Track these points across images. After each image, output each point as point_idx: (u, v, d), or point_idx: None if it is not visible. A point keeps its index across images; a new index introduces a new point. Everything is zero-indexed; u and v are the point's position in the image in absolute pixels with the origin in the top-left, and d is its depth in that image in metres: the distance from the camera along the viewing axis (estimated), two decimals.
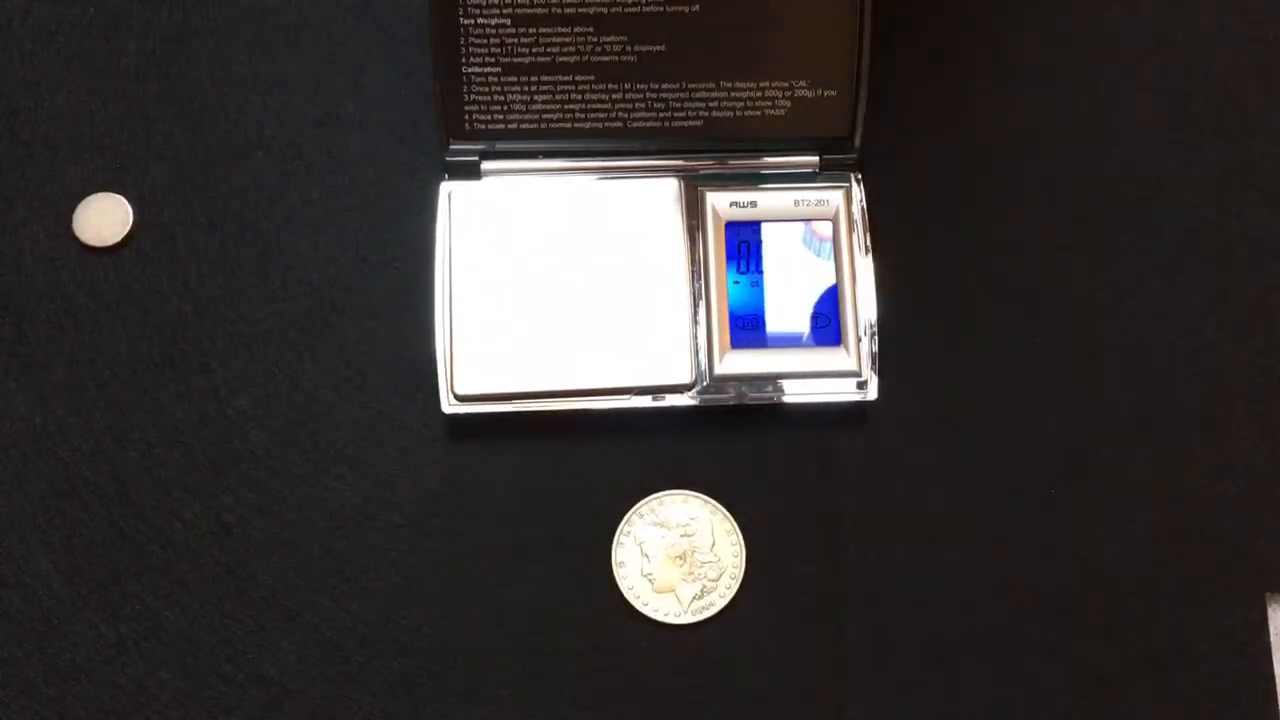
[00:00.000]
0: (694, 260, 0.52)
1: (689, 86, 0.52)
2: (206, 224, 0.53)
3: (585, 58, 0.51)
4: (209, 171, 0.54)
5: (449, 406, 0.50)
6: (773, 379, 0.51)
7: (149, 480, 0.51)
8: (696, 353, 0.51)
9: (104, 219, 0.53)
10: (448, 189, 0.52)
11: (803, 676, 0.49)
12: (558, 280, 0.51)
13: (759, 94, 0.52)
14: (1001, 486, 0.51)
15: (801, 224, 0.53)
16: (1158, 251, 0.54)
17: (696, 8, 0.50)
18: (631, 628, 0.50)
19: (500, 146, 0.52)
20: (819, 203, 0.53)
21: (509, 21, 0.50)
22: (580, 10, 0.50)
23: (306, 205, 0.54)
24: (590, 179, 0.53)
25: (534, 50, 0.51)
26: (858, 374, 0.51)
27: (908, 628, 0.50)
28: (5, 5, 0.56)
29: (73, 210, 0.53)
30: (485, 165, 0.52)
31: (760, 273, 0.52)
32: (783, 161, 0.53)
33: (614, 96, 0.52)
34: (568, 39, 0.51)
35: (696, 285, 0.52)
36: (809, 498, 0.51)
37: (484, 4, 0.50)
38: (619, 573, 0.50)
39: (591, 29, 0.51)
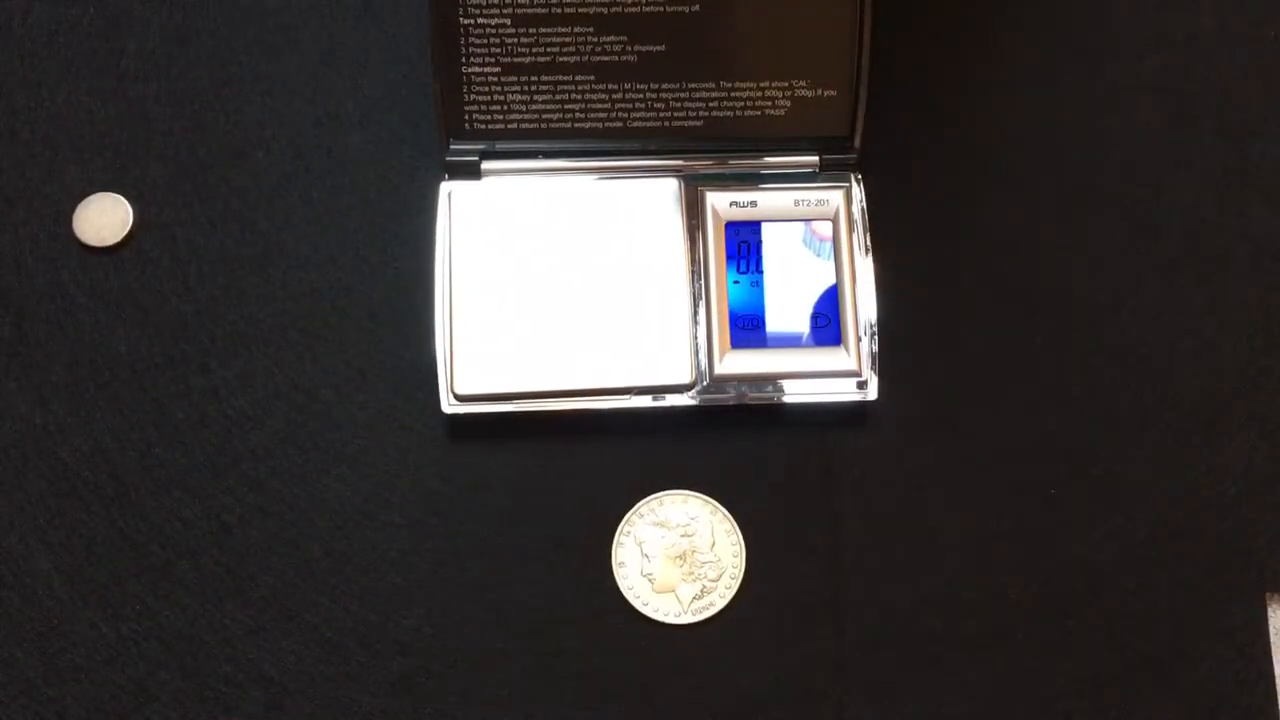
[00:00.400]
0: (694, 260, 0.52)
1: (689, 86, 0.52)
2: (206, 224, 0.53)
3: (585, 58, 0.51)
4: (209, 171, 0.54)
5: (449, 406, 0.50)
6: (773, 379, 0.51)
7: (149, 480, 0.51)
8: (696, 353, 0.51)
9: (104, 219, 0.53)
10: (448, 189, 0.52)
11: (803, 676, 0.49)
12: (558, 280, 0.51)
13: (759, 94, 0.52)
14: (1001, 486, 0.51)
15: (801, 224, 0.53)
16: (1158, 251, 0.54)
17: (696, 8, 0.50)
18: (631, 628, 0.50)
19: (500, 146, 0.52)
20: (819, 203, 0.53)
21: (509, 21, 0.50)
22: (580, 10, 0.50)
23: (306, 205, 0.54)
24: (590, 179, 0.53)
25: (534, 50, 0.51)
26: (858, 374, 0.51)
27: (908, 628, 0.50)
28: (5, 5, 0.56)
29: (73, 210, 0.53)
30: (485, 165, 0.52)
31: (760, 273, 0.52)
32: (783, 161, 0.53)
33: (614, 96, 0.52)
34: (568, 39, 0.51)
35: (696, 285, 0.52)
36: (809, 498, 0.51)
37: (484, 4, 0.50)
38: (619, 573, 0.50)
39: (591, 29, 0.51)
